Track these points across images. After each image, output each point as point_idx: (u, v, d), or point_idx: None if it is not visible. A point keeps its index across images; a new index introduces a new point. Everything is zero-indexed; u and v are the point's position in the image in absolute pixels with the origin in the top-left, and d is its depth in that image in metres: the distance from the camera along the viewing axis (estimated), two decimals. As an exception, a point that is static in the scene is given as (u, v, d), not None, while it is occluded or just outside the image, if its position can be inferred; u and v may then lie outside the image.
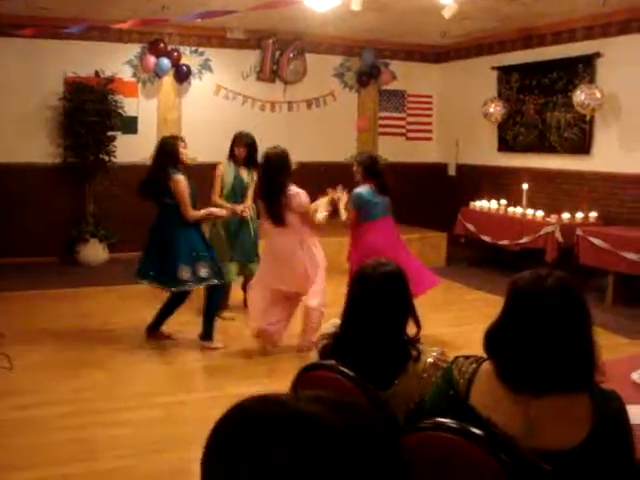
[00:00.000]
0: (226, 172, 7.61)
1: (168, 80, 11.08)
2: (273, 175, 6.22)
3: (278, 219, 6.21)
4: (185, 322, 7.15)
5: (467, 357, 2.26)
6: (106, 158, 10.37)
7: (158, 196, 6.51)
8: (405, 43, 12.27)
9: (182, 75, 11.01)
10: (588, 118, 9.46)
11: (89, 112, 10.09)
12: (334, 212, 6.60)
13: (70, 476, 4.04)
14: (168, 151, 6.51)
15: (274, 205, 6.20)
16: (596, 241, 8.45)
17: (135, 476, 4.10)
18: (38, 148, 10.39)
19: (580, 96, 9.16)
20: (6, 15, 9.67)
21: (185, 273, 6.36)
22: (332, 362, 2.58)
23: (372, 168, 6.67)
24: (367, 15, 9.23)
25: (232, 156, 7.61)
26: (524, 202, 9.90)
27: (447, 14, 8.03)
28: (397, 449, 0.97)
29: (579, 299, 2.10)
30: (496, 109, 10.95)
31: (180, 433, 4.77)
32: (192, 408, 5.23)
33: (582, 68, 9.63)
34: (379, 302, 2.64)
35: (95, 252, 10.40)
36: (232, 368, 6.13)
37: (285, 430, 0.89)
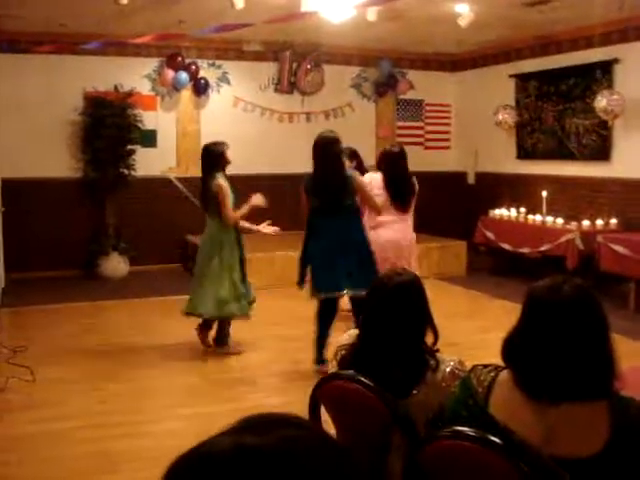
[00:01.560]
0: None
1: (186, 93, 11.16)
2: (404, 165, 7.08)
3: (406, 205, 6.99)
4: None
5: (485, 366, 2.25)
6: (126, 172, 10.44)
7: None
8: (422, 52, 12.28)
9: (200, 88, 11.08)
10: (611, 124, 9.41)
11: (108, 126, 10.17)
12: None
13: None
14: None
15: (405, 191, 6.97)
16: (617, 247, 8.39)
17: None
18: (59, 163, 10.48)
19: (602, 102, 9.12)
20: (26, 32, 9.79)
21: None
22: (351, 372, 2.58)
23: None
24: (383, 25, 9.25)
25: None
26: (544, 209, 9.86)
27: (463, 23, 8.06)
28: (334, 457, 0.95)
29: (596, 306, 2.09)
30: (505, 116, 10.96)
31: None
32: (213, 420, 5.24)
33: (600, 74, 9.59)
34: (395, 312, 2.64)
35: (116, 265, 10.45)
36: (254, 380, 6.14)
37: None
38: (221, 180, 6.53)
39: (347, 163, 6.90)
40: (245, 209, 6.64)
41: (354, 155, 7.94)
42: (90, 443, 4.74)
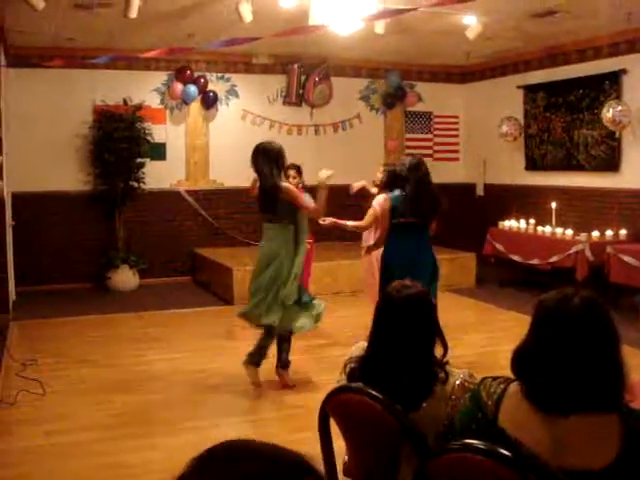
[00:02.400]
0: None
1: (195, 106, 11.20)
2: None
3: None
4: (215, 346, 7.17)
5: (495, 378, 2.25)
6: (135, 184, 10.48)
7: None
8: (430, 64, 12.31)
9: (209, 101, 11.13)
10: (618, 135, 9.40)
11: (118, 140, 10.22)
12: None
13: (102, 502, 4.05)
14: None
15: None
16: (627, 258, 8.37)
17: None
18: (69, 176, 10.53)
19: (608, 113, 9.12)
20: (35, 47, 9.86)
21: None
22: (360, 384, 2.58)
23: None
24: (391, 38, 9.28)
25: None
26: (553, 221, 9.84)
27: (471, 35, 8.07)
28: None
29: (606, 318, 2.08)
30: (509, 128, 11.00)
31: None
32: (225, 432, 5.24)
33: (608, 85, 9.60)
34: (404, 325, 2.64)
35: (126, 278, 10.47)
36: (266, 393, 6.13)
37: None
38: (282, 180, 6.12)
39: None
40: (323, 195, 6.07)
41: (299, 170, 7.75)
42: (101, 456, 4.74)
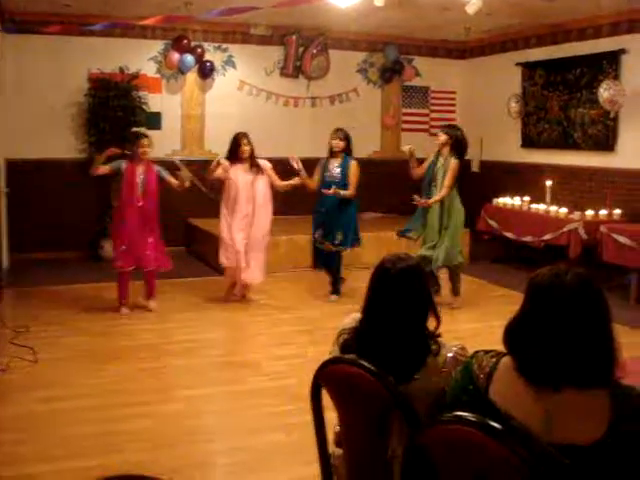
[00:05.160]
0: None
1: (192, 76, 11.15)
2: None
3: None
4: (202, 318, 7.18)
5: (487, 352, 2.26)
6: (130, 154, 10.41)
7: None
8: (428, 39, 12.25)
9: (206, 71, 11.07)
10: (614, 114, 9.39)
11: (113, 108, 10.17)
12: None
13: (94, 468, 4.07)
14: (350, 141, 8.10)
15: None
16: (620, 238, 8.39)
17: (158, 468, 4.13)
18: (63, 144, 10.48)
19: (605, 92, 9.11)
20: (31, 13, 9.77)
21: None
22: (352, 356, 2.59)
23: None
24: (390, 11, 9.23)
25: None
26: (547, 199, 9.85)
27: (471, 10, 8.01)
28: None
29: (598, 295, 2.09)
30: (515, 105, 11.06)
31: (201, 425, 4.82)
32: (213, 401, 5.27)
33: (607, 64, 9.56)
34: (398, 297, 2.64)
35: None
36: (258, 362, 6.16)
37: None
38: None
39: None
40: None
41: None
42: (94, 423, 4.77)
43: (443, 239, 7.79)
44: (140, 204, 7.40)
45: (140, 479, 0.96)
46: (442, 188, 7.71)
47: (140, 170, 7.45)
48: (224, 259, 7.88)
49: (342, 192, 7.83)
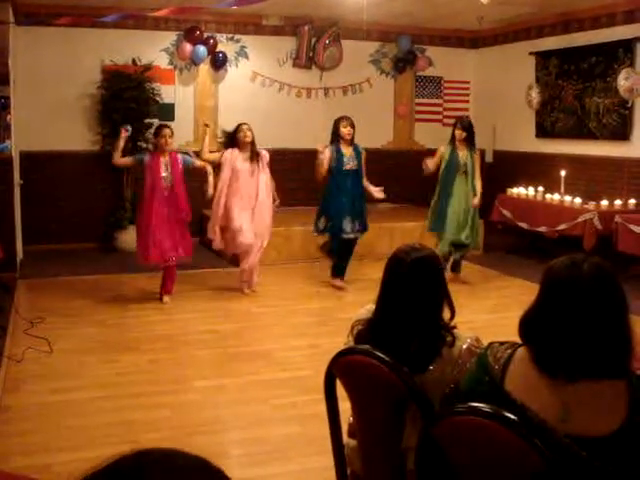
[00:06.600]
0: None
1: (204, 67, 11.14)
2: None
3: None
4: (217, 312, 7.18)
5: (502, 343, 2.25)
6: (144, 145, 10.43)
7: None
8: (441, 29, 12.19)
9: (218, 62, 11.06)
10: (630, 104, 9.32)
11: (126, 99, 10.17)
12: None
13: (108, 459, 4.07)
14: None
15: None
16: (635, 228, 8.35)
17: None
18: (76, 136, 10.50)
19: (624, 81, 9.05)
20: (43, 5, 9.78)
21: None
22: (367, 347, 2.59)
23: None
24: (403, 1, 9.19)
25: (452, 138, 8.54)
26: (562, 189, 9.79)
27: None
28: None
29: (615, 285, 2.07)
30: (535, 95, 10.97)
31: (215, 416, 4.83)
32: (228, 392, 5.28)
33: (622, 53, 9.49)
34: (412, 287, 2.63)
35: (132, 238, 10.45)
36: (270, 353, 6.17)
37: None
38: None
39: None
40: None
41: None
42: (108, 413, 4.79)
43: (467, 220, 8.42)
44: (166, 194, 7.41)
45: (176, 455, 0.95)
46: (477, 180, 8.47)
47: (164, 160, 7.45)
48: (212, 233, 8.04)
49: (381, 193, 8.32)
